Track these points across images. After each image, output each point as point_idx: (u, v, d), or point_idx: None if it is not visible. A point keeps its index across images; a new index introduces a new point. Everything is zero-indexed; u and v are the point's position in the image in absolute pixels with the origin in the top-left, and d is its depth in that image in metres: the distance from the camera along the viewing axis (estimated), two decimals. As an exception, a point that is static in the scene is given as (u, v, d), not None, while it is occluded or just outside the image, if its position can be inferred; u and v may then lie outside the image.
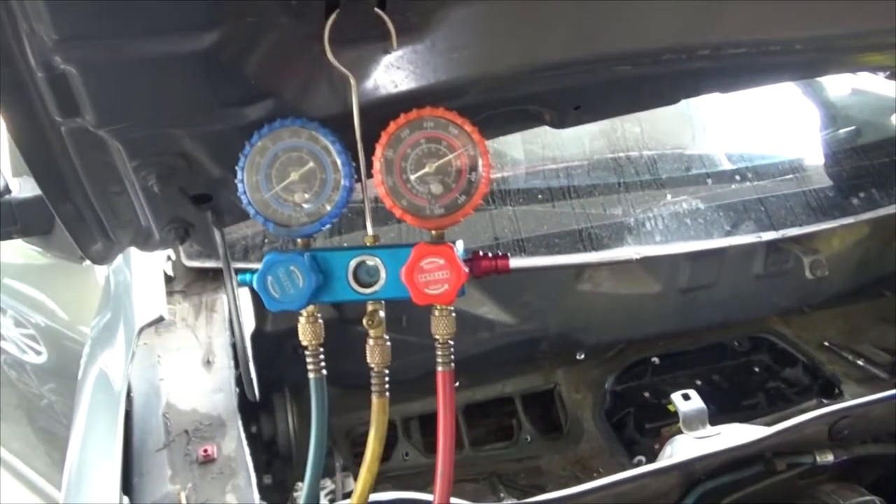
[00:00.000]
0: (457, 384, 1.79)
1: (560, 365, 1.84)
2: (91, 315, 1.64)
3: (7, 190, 1.62)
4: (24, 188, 1.65)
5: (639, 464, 1.63)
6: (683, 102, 1.99)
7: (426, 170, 0.83)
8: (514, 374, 1.82)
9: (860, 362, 1.90)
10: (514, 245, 1.58)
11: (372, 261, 0.85)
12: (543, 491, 1.59)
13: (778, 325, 1.99)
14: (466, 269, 0.83)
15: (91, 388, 1.29)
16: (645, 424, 1.77)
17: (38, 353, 2.01)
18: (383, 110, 0.87)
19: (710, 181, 1.81)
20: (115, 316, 1.46)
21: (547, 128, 1.82)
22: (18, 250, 2.00)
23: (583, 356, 1.85)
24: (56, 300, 1.96)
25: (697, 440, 1.30)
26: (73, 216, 0.99)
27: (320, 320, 0.89)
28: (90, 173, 0.91)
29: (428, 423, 1.75)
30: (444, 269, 0.81)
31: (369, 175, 0.87)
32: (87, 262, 1.72)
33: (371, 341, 0.89)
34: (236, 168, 0.85)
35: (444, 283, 0.81)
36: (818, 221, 1.77)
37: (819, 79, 2.31)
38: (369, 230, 0.89)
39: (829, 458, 1.31)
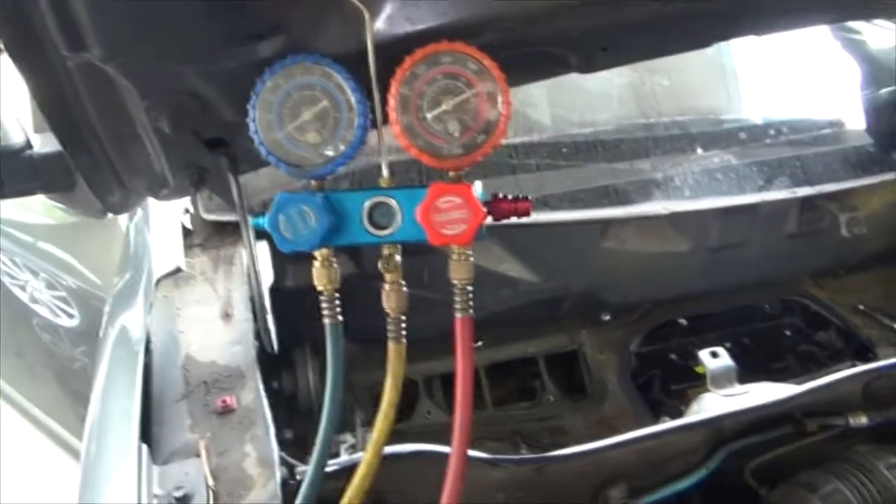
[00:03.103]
0: (479, 343, 1.79)
1: (584, 326, 1.81)
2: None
3: (29, 145, 1.62)
4: (46, 143, 1.65)
5: (664, 424, 1.60)
6: (716, 54, 1.94)
7: (443, 107, 0.80)
8: (537, 334, 1.79)
9: (896, 326, 1.83)
10: (538, 201, 1.54)
11: (387, 202, 0.82)
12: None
13: (811, 288, 1.92)
14: (485, 210, 0.80)
15: (112, 344, 1.30)
16: (671, 386, 1.74)
17: (71, 315, 2.03)
18: (399, 48, 0.84)
19: (743, 136, 1.74)
20: (135, 275, 1.46)
21: (573, 87, 1.78)
22: (49, 211, 2.01)
23: (608, 317, 1.81)
24: (86, 263, 1.97)
25: (725, 398, 1.26)
26: (88, 163, 0.98)
27: (335, 265, 0.87)
28: (101, 114, 0.89)
29: (450, 381, 1.72)
30: (462, 209, 0.78)
31: (384, 116, 0.84)
32: (110, 217, 1.74)
33: (387, 286, 0.87)
34: (247, 107, 0.83)
35: (462, 222, 0.78)
36: (857, 177, 1.70)
37: (861, 35, 2.21)
38: (384, 172, 0.86)
39: (863, 420, 1.27)
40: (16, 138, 1.58)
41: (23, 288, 2.15)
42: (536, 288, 1.65)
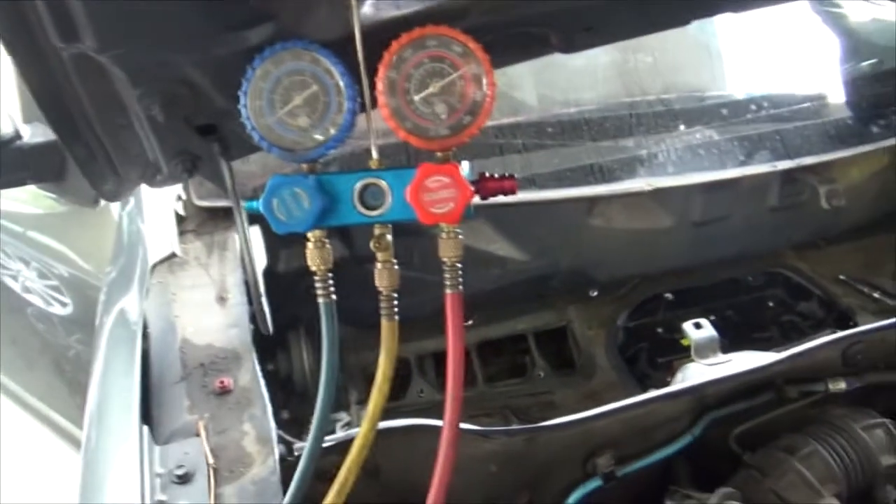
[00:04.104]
0: (470, 322, 1.82)
1: (572, 302, 1.84)
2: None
3: (18, 136, 1.62)
4: (36, 134, 1.66)
5: (649, 395, 1.64)
6: (697, 31, 1.96)
7: (430, 90, 0.82)
8: (526, 311, 1.83)
9: (876, 295, 1.88)
10: (525, 181, 1.57)
11: (378, 183, 0.85)
12: (551, 421, 1.61)
13: (793, 260, 1.97)
14: (473, 189, 0.82)
15: (108, 331, 1.32)
16: (657, 359, 1.78)
17: (64, 304, 2.04)
18: (385, 33, 0.86)
19: (724, 111, 1.77)
20: (129, 262, 1.48)
21: (557, 66, 1.80)
22: (38, 201, 2.02)
23: (595, 293, 1.85)
24: (77, 251, 1.99)
25: (708, 367, 1.30)
26: (83, 152, 1.00)
27: (328, 245, 0.89)
28: (95, 104, 0.91)
29: (442, 360, 1.75)
30: (450, 188, 0.81)
31: (373, 100, 0.86)
32: (102, 205, 1.75)
33: (379, 265, 0.89)
34: (239, 93, 0.84)
35: (450, 201, 0.81)
36: (836, 150, 1.73)
37: (841, 8, 2.24)
38: (374, 153, 0.88)
39: (842, 385, 1.31)
40: (5, 129, 1.59)
41: (14, 278, 2.16)
42: (525, 266, 1.68)
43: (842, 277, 1.94)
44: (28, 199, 2.07)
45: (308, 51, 0.84)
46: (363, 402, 1.56)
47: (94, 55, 0.82)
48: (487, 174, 0.89)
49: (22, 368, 2.42)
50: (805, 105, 1.85)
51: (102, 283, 1.55)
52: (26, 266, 2.10)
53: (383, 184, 0.85)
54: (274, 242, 1.46)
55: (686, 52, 2.00)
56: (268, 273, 1.42)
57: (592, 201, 1.63)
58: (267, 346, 1.44)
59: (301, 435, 1.35)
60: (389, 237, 0.89)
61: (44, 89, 0.89)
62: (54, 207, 1.98)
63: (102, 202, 1.75)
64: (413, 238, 1.38)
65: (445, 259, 0.88)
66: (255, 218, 1.36)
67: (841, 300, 1.86)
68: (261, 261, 1.38)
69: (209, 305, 1.29)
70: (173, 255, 1.33)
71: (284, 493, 0.98)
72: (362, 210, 0.85)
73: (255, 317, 1.26)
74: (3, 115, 1.59)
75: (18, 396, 2.48)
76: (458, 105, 0.83)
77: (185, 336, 1.23)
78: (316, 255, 0.88)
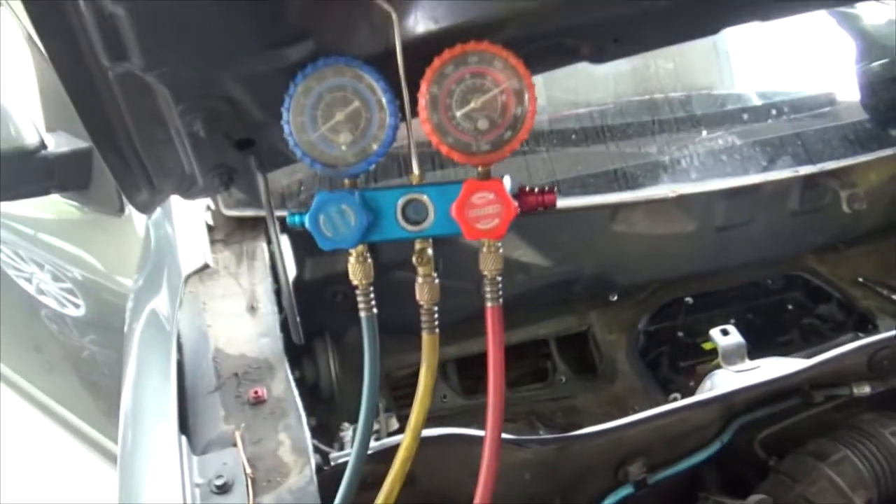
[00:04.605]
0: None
1: (594, 307, 1.85)
2: (128, 266, 1.67)
3: (43, 145, 1.63)
4: (60, 143, 1.67)
5: (674, 400, 1.65)
6: (717, 38, 1.96)
7: (472, 105, 0.83)
8: (548, 316, 1.83)
9: (894, 297, 1.88)
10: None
11: (420, 198, 0.85)
12: (580, 429, 1.62)
13: (812, 263, 1.97)
14: (516, 205, 0.83)
15: (140, 337, 1.32)
16: (679, 363, 1.78)
17: (77, 305, 2.05)
18: (425, 48, 0.86)
19: (745, 116, 1.78)
20: (157, 269, 1.48)
21: (576, 73, 1.80)
22: (51, 206, 2.03)
23: (616, 297, 1.85)
24: (92, 253, 2.00)
25: (737, 373, 1.31)
26: (120, 165, 1.01)
27: (370, 260, 0.90)
28: (137, 119, 0.92)
29: (464, 365, 1.77)
30: (495, 204, 0.82)
31: (413, 113, 0.87)
32: (125, 215, 1.76)
33: (420, 279, 0.90)
34: (281, 109, 0.85)
35: (495, 217, 0.82)
36: (856, 154, 1.74)
37: (855, 9, 2.24)
38: (415, 169, 0.89)
39: (866, 389, 1.31)
40: (30, 139, 1.60)
41: (29, 280, 2.17)
42: (548, 272, 1.68)
43: (860, 280, 1.95)
44: (37, 204, 2.08)
45: (350, 67, 0.85)
46: (390, 409, 1.57)
47: (140, 73, 0.83)
48: (527, 188, 0.89)
49: (44, 373, 2.43)
50: (825, 109, 1.85)
51: (128, 289, 1.56)
52: (40, 269, 2.11)
53: (426, 199, 0.86)
54: (300, 252, 1.47)
55: (701, 54, 2.00)
56: (294, 281, 1.43)
57: (616, 207, 1.63)
58: (293, 354, 1.45)
59: (332, 443, 1.36)
60: (430, 251, 0.90)
61: (86, 103, 0.90)
62: (67, 213, 1.99)
63: (127, 211, 1.77)
64: (438, 247, 1.39)
65: (486, 273, 0.89)
66: (283, 227, 1.37)
67: (860, 302, 1.87)
68: (291, 270, 1.39)
69: (240, 315, 1.30)
70: (206, 267, 1.33)
71: (323, 502, 0.99)
72: (405, 225, 0.86)
73: (285, 326, 1.27)
74: (27, 124, 1.61)
75: (40, 401, 2.50)
76: (500, 120, 0.84)
77: (218, 346, 1.24)
78: (358, 270, 0.89)
